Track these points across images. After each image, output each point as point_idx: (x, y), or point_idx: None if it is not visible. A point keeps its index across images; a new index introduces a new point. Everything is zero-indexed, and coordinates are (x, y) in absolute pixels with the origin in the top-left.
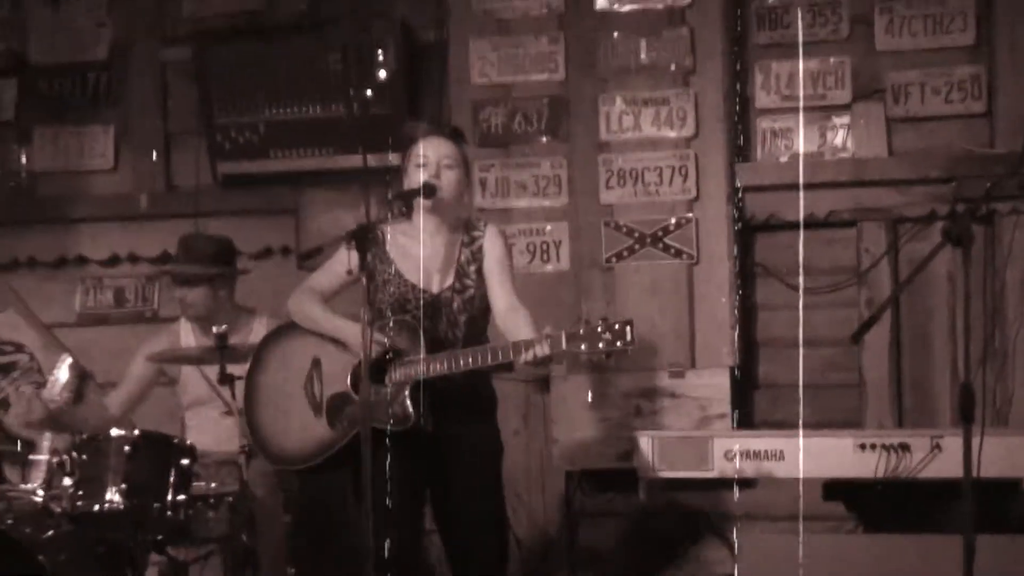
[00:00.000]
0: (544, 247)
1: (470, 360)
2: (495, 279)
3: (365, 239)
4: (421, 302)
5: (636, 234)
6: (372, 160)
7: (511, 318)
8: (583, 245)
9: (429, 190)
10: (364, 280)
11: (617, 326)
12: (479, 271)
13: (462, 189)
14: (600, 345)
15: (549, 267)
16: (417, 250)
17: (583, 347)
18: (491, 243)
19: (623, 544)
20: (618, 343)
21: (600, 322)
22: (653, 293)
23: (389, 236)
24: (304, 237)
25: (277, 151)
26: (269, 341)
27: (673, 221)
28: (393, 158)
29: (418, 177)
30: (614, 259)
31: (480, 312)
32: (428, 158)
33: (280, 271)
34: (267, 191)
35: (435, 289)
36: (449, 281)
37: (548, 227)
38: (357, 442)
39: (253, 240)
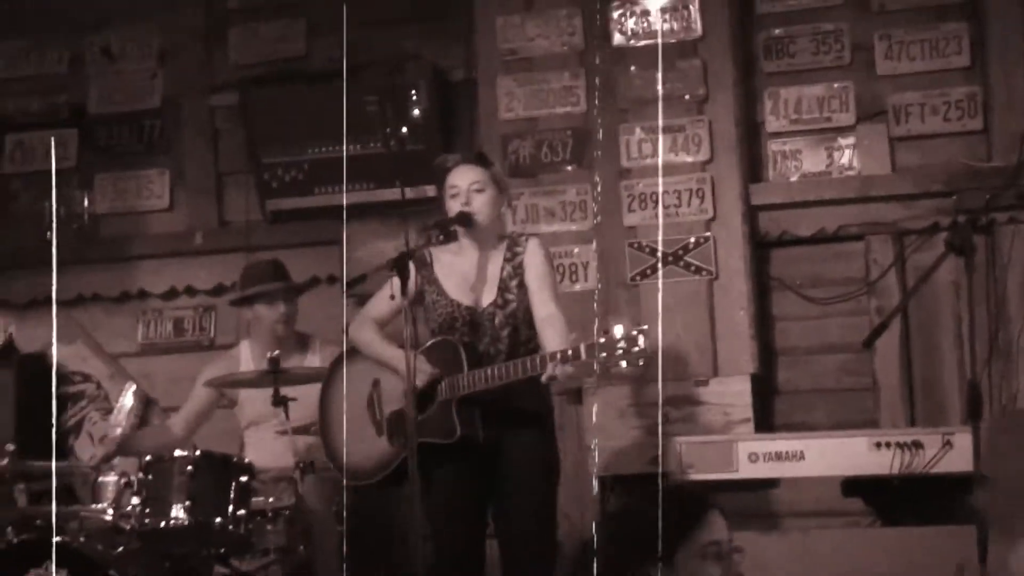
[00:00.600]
0: (572, 268)
1: (496, 374)
2: (535, 289)
3: (405, 266)
4: (465, 319)
5: (658, 254)
6: (410, 192)
7: (545, 327)
8: (608, 265)
9: (463, 219)
10: (407, 304)
11: (633, 334)
12: (521, 284)
13: (497, 208)
14: (618, 353)
15: (577, 287)
16: (462, 269)
17: (602, 355)
18: (531, 255)
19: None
20: (634, 349)
21: (621, 335)
22: (676, 308)
23: (435, 258)
24: (349, 267)
25: (321, 187)
26: (337, 365)
27: (692, 240)
28: (429, 190)
29: (454, 206)
30: (638, 277)
31: (524, 324)
32: (459, 187)
33: (327, 299)
34: (313, 225)
35: (480, 306)
36: (492, 297)
37: (575, 249)
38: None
39: (301, 270)
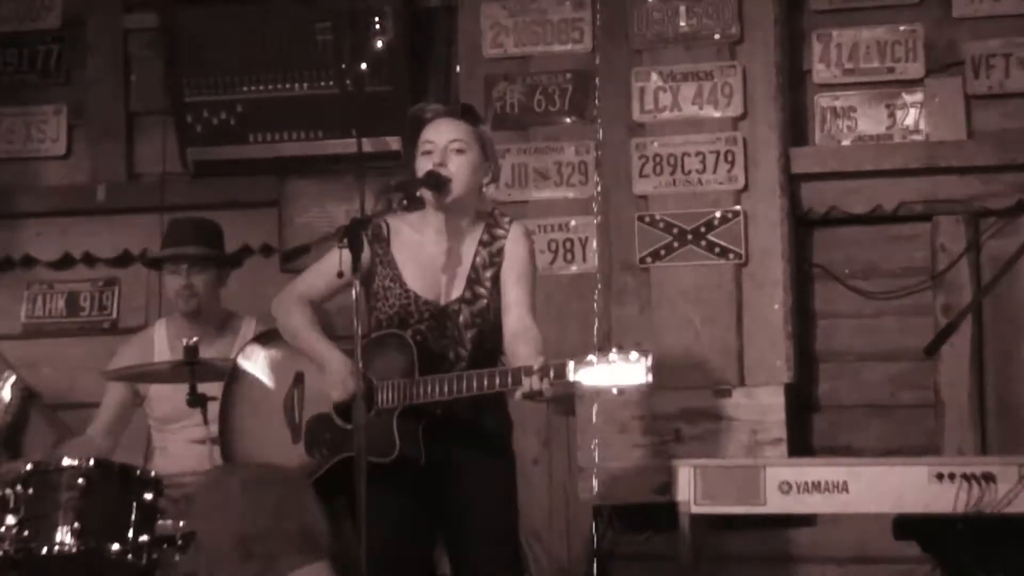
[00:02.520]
0: (568, 245)
1: (458, 387)
2: (510, 289)
3: (359, 237)
4: (422, 315)
5: (675, 230)
6: (368, 144)
7: (518, 343)
8: (613, 243)
9: (434, 181)
10: (357, 285)
11: (634, 357)
12: (496, 278)
13: (479, 176)
14: (612, 379)
15: (573, 268)
16: (426, 250)
17: (592, 381)
18: (514, 245)
19: None
20: (631, 382)
21: (614, 352)
22: (695, 299)
23: (394, 231)
24: (288, 234)
25: (257, 134)
26: (250, 349)
27: (718, 215)
28: (393, 142)
29: (425, 165)
30: (649, 259)
31: (492, 328)
32: (435, 143)
33: (260, 274)
34: (245, 181)
35: (443, 300)
36: (459, 290)
37: (572, 222)
38: (335, 475)
39: (230, 238)
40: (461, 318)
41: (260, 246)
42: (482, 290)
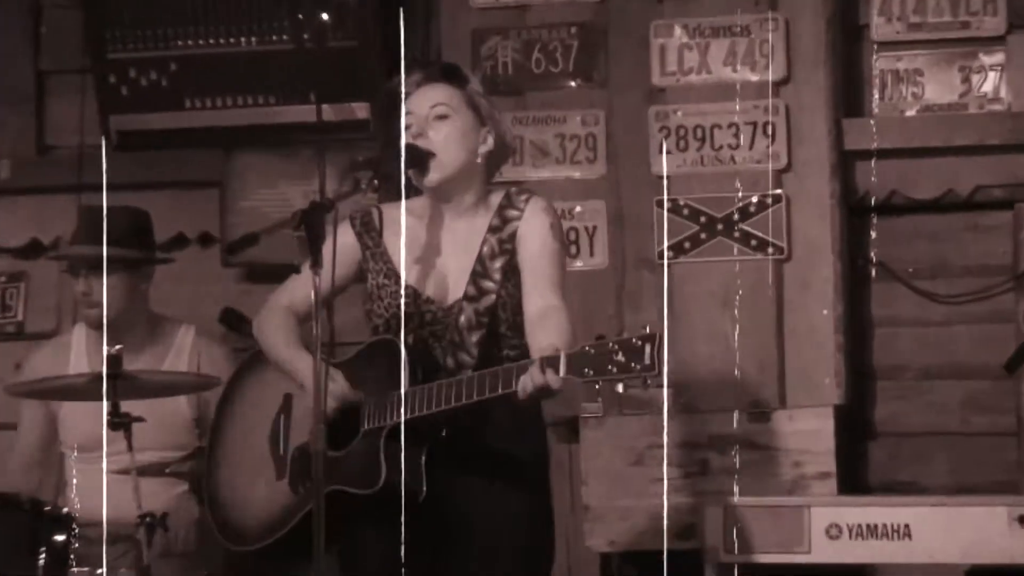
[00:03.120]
0: (571, 237)
1: (443, 395)
2: (530, 273)
3: (318, 224)
4: (422, 318)
5: (702, 218)
6: (330, 112)
7: (536, 327)
8: (627, 233)
9: (411, 156)
10: (316, 281)
11: (635, 341)
12: (509, 267)
13: (472, 145)
14: (611, 369)
15: (578, 264)
16: (428, 240)
17: (589, 372)
18: (531, 224)
19: None
20: (634, 366)
21: (614, 339)
22: (726, 302)
23: (388, 220)
24: (233, 221)
25: (195, 99)
26: (245, 369)
27: (754, 200)
28: (360, 110)
29: (406, 138)
30: (671, 254)
31: (507, 327)
32: (413, 114)
33: (198, 268)
34: (181, 156)
35: (450, 298)
36: (462, 286)
37: (577, 208)
38: (327, 514)
39: (162, 225)
40: (463, 318)
41: (198, 235)
42: (489, 284)
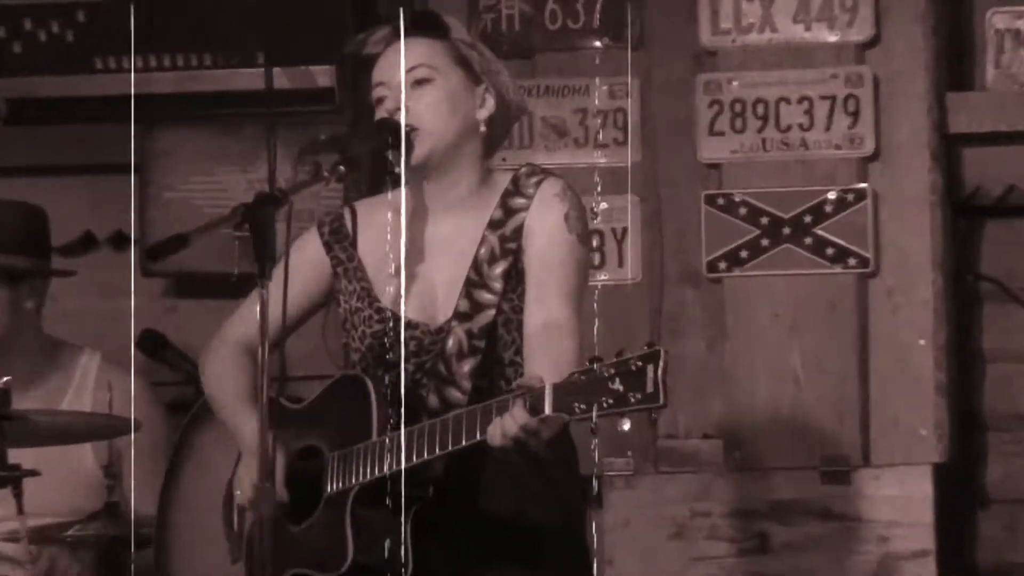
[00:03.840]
0: (597, 242)
1: (408, 448)
2: (535, 273)
3: (267, 222)
4: (408, 347)
5: (764, 219)
6: (282, 78)
7: (534, 349)
8: (667, 239)
9: (386, 134)
10: (263, 298)
11: (633, 364)
12: (513, 274)
13: (466, 110)
14: (606, 401)
15: (603, 277)
16: (411, 244)
17: (580, 407)
18: (540, 214)
19: None
20: (633, 397)
21: (608, 362)
22: (794, 328)
23: (364, 224)
24: (155, 217)
25: (108, 59)
26: (200, 419)
27: (832, 197)
28: (321, 75)
29: (379, 115)
30: (723, 265)
31: (513, 350)
32: (385, 84)
33: (110, 280)
34: (88, 133)
35: (439, 319)
36: (452, 301)
37: (603, 205)
38: None
39: (62, 223)
40: (451, 342)
41: (110, 235)
42: (487, 296)
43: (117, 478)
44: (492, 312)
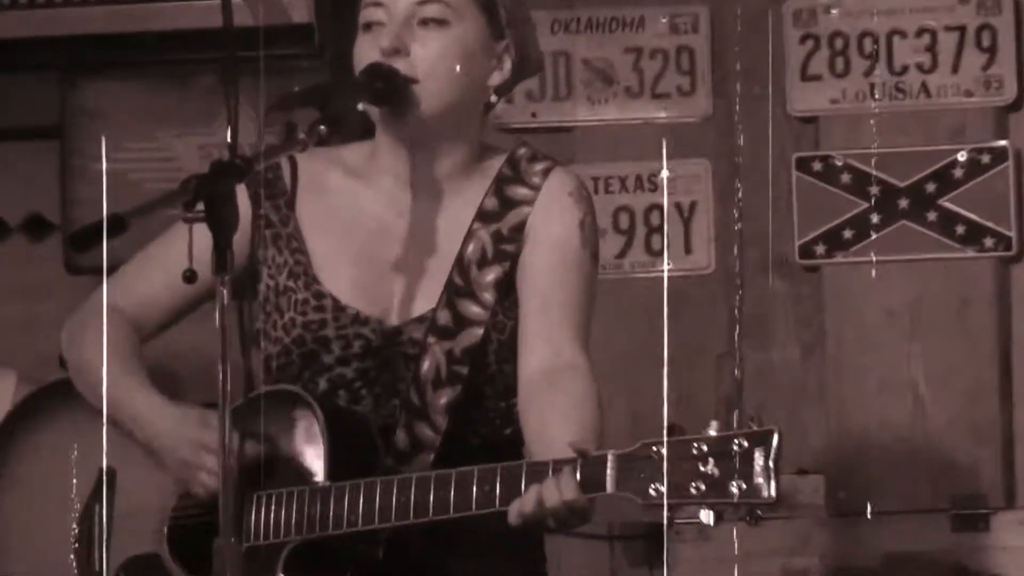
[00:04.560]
0: (653, 220)
1: (385, 509)
2: (539, 296)
3: (227, 196)
4: (353, 348)
5: (874, 188)
6: (245, 11)
7: (535, 400)
8: (747, 215)
9: (381, 84)
10: (224, 292)
11: (737, 444)
12: (506, 282)
13: (479, 70)
14: (696, 488)
15: (668, 266)
16: (370, 217)
17: (656, 489)
18: (548, 216)
19: None
20: (735, 487)
21: (698, 436)
22: (914, 329)
23: (305, 180)
24: (82, 195)
25: None
26: (18, 423)
27: (962, 159)
28: (295, 8)
29: (365, 51)
30: (822, 248)
31: (492, 382)
32: (387, 6)
33: (25, 274)
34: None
35: (395, 317)
36: (430, 300)
37: (664, 172)
38: None
39: None
40: (427, 362)
41: (24, 219)
42: (475, 309)
43: None
44: (480, 331)
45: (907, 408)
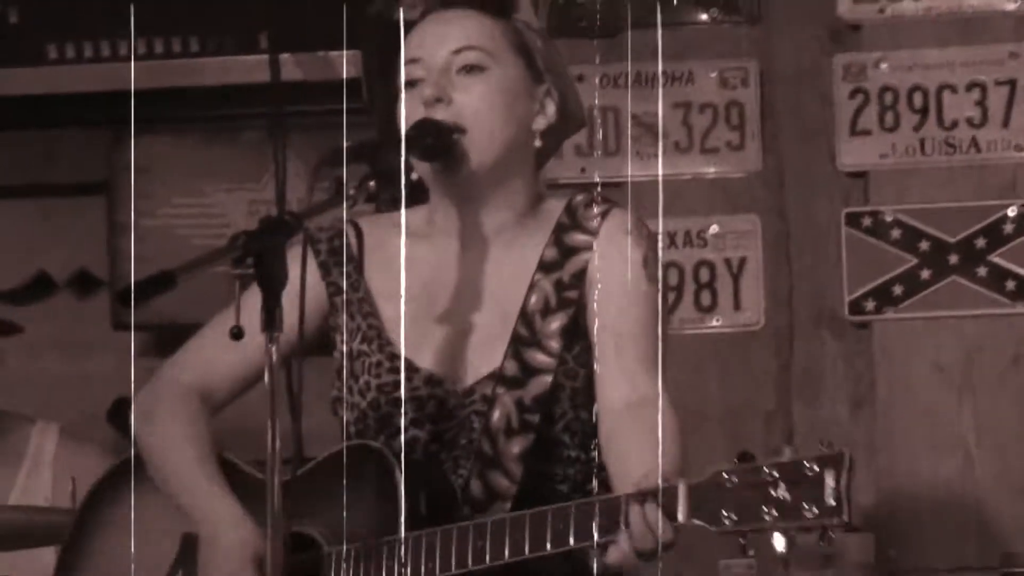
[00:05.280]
0: (704, 276)
1: (456, 552)
2: (611, 337)
3: (275, 256)
4: (426, 408)
5: (924, 243)
6: (291, 67)
7: (624, 432)
8: (797, 271)
9: (429, 138)
10: (271, 353)
11: (808, 467)
12: (573, 330)
13: (523, 112)
14: (768, 512)
15: (715, 322)
16: (437, 278)
17: (729, 517)
18: (609, 257)
19: None
20: (807, 510)
21: (771, 462)
22: (964, 385)
23: (372, 245)
24: (129, 251)
25: (64, 46)
26: (105, 495)
27: (1012, 214)
28: (342, 62)
29: (411, 108)
30: (871, 304)
31: (567, 430)
32: (422, 62)
33: (71, 331)
34: (41, 141)
35: (468, 378)
36: (493, 359)
37: (713, 228)
38: None
39: (9, 259)
40: (496, 415)
41: (71, 276)
42: (542, 357)
43: None
44: (549, 379)
45: (957, 465)
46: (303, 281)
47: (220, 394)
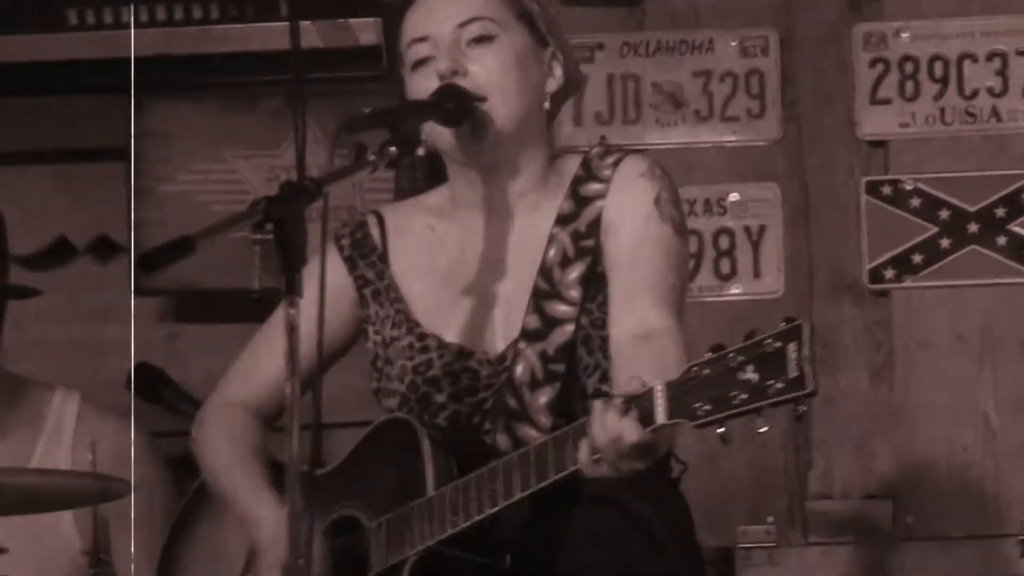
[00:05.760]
0: (724, 243)
1: (467, 502)
2: (622, 274)
3: (295, 223)
4: (457, 379)
5: (944, 212)
6: (312, 35)
7: (629, 360)
8: (815, 239)
9: (451, 104)
10: (293, 320)
11: (769, 343)
12: (592, 277)
13: (537, 80)
14: (737, 397)
15: (736, 290)
16: (460, 256)
17: (703, 408)
18: (622, 200)
19: None
20: (771, 385)
21: (736, 347)
22: (984, 356)
23: (394, 231)
24: (150, 217)
25: (85, 12)
26: (192, 510)
27: None
28: (363, 30)
29: (420, 81)
30: (891, 272)
31: (596, 374)
32: (429, 37)
33: (90, 297)
34: (60, 108)
35: (500, 344)
36: (518, 321)
37: (733, 195)
38: None
39: (27, 225)
40: (519, 368)
41: (91, 241)
42: (563, 308)
43: (103, 565)
44: (571, 328)
45: (976, 433)
46: (322, 303)
47: (267, 401)
